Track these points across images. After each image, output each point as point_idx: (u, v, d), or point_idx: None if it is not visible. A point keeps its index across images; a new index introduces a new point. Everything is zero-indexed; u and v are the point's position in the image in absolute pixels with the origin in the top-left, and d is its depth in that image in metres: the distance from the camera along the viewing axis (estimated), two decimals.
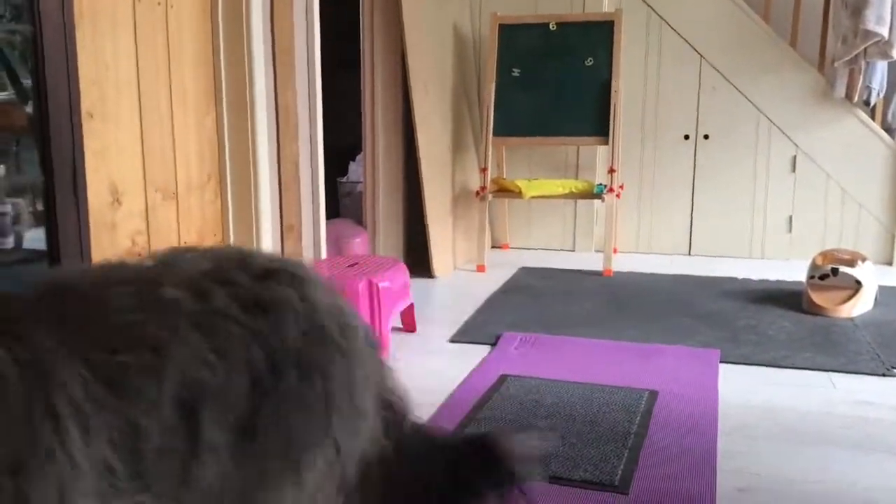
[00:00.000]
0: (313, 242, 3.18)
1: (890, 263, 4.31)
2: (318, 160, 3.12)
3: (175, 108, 2.51)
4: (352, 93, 4.11)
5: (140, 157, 2.37)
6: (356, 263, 3.04)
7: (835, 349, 2.89)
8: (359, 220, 4.24)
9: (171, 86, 2.49)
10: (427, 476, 1.07)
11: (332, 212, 4.68)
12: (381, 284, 2.82)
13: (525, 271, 4.25)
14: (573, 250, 4.79)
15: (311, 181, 3.11)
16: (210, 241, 2.72)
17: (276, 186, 2.89)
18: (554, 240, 4.83)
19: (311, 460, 0.94)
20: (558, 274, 4.18)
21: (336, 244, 3.93)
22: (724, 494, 1.87)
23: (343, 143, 4.82)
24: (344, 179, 4.89)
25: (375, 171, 4.01)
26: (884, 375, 2.64)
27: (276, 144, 2.86)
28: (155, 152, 2.44)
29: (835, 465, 2.01)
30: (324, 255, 3.23)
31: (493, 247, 4.89)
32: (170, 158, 2.51)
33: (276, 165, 2.88)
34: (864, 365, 2.73)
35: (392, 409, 1.12)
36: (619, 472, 1.96)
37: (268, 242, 2.81)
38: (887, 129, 4.35)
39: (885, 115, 4.42)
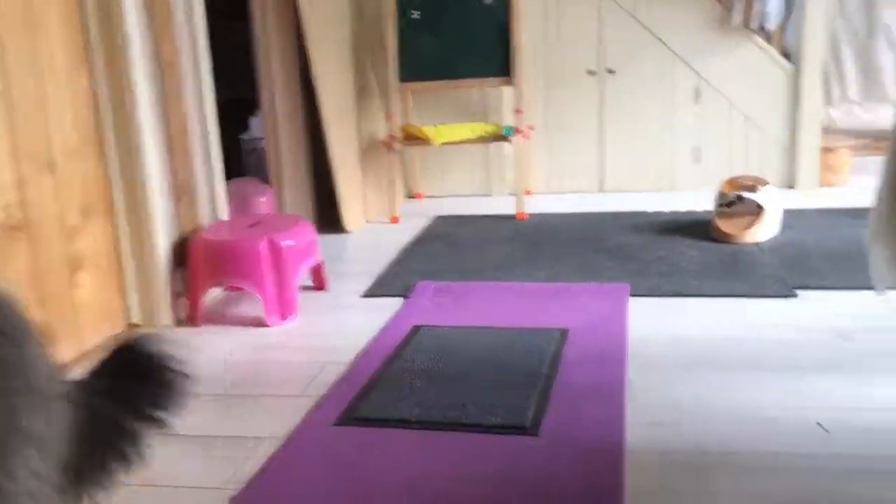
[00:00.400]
0: (211, 204, 3.04)
1: (792, 187, 4.41)
2: (209, 116, 2.97)
3: (43, 70, 2.33)
4: (250, 45, 3.92)
5: (6, 124, 2.19)
6: (258, 223, 2.92)
7: (742, 275, 2.94)
8: (265, 178, 4.09)
9: (35, 46, 2.30)
10: (113, 414, 1.05)
11: (236, 170, 4.51)
12: (283, 243, 2.72)
13: (440, 220, 4.19)
14: (488, 195, 4.74)
15: (202, 139, 2.96)
16: (95, 209, 2.56)
17: (164, 147, 2.73)
18: (468, 186, 4.77)
19: (15, 460, 0.87)
20: (473, 220, 4.14)
21: (241, 204, 3.79)
22: (635, 429, 1.87)
23: (243, 98, 4.63)
24: (246, 136, 4.71)
25: (276, 125, 3.86)
26: (786, 297, 2.70)
27: (159, 102, 2.70)
28: (23, 119, 2.25)
29: (743, 391, 2.04)
30: (224, 216, 3.10)
31: (407, 197, 4.81)
32: (40, 125, 2.33)
33: (163, 125, 2.72)
34: (769, 288, 2.78)
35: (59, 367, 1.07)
36: (530, 414, 1.94)
37: (159, 208, 2.67)
38: (785, 54, 4.41)
39: (781, 39, 4.47)
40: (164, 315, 2.72)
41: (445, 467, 1.73)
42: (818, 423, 1.83)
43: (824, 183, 4.41)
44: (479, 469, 1.71)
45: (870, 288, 2.70)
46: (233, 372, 2.34)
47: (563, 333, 2.45)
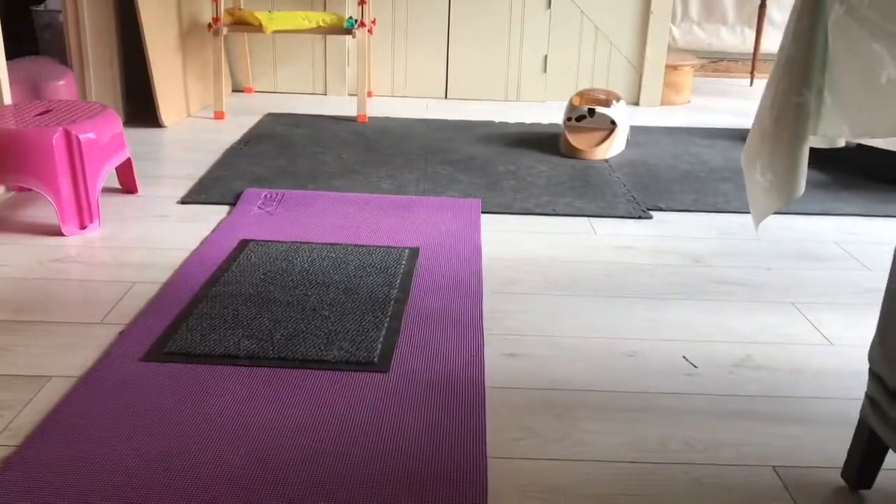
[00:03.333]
0: None
1: (637, 103, 4.36)
2: None
3: None
4: None
5: None
6: (49, 111, 2.42)
7: (593, 193, 2.82)
8: (64, 60, 3.49)
9: None
10: None
11: (29, 48, 3.84)
12: (82, 136, 2.26)
13: (271, 118, 3.79)
14: (325, 94, 4.36)
15: None
16: None
17: None
18: (304, 83, 4.36)
19: None
20: (309, 120, 3.77)
21: (34, 88, 3.21)
22: (492, 363, 1.68)
23: None
24: (41, 8, 4.01)
25: None
26: (640, 218, 2.60)
27: None
28: None
29: (602, 319, 1.90)
30: (7, 99, 2.56)
31: (234, 90, 4.33)
32: None
33: None
34: (622, 208, 2.67)
35: None
36: (379, 346, 1.70)
37: None
38: None
39: None
40: None
41: (279, 411, 1.46)
42: (684, 357, 1.72)
43: (666, 101, 4.40)
44: (320, 413, 1.46)
45: (723, 211, 2.66)
46: (16, 293, 1.92)
47: (414, 252, 2.22)
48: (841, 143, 1.65)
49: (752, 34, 5.14)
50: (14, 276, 2.01)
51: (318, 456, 1.35)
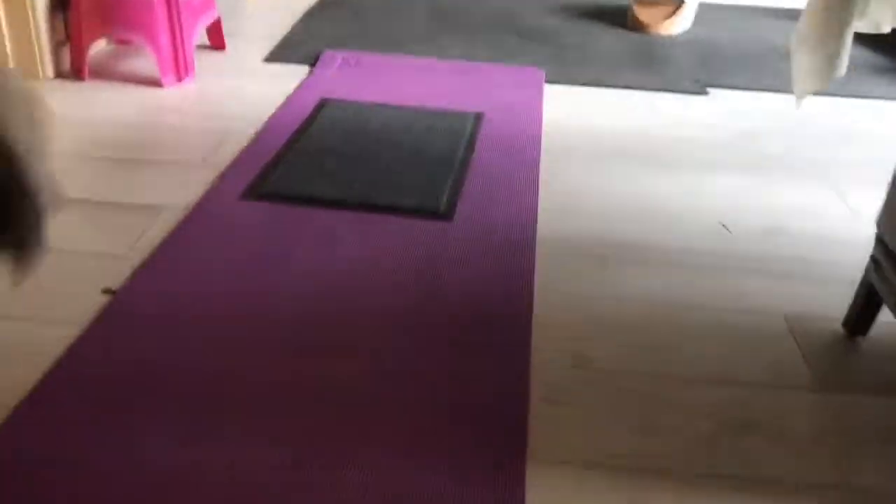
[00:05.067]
0: None
1: None
2: None
3: None
4: None
5: None
6: None
7: (656, 68, 2.91)
8: None
9: None
10: None
11: None
12: None
13: None
14: None
15: None
16: None
17: None
18: None
19: None
20: None
21: None
22: (543, 216, 1.89)
23: None
24: None
25: None
26: (698, 94, 2.71)
27: None
28: None
29: (651, 186, 2.08)
30: None
31: None
32: None
33: None
34: (681, 84, 2.77)
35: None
36: (445, 198, 1.92)
37: None
38: None
39: None
40: (45, 66, 2.47)
41: (356, 248, 1.71)
42: (721, 224, 1.90)
43: None
44: (390, 251, 1.70)
45: (778, 91, 2.75)
46: (127, 134, 2.18)
47: (479, 117, 2.40)
48: (886, 30, 1.74)
49: None
50: (123, 121, 2.26)
51: (374, 295, 1.60)
